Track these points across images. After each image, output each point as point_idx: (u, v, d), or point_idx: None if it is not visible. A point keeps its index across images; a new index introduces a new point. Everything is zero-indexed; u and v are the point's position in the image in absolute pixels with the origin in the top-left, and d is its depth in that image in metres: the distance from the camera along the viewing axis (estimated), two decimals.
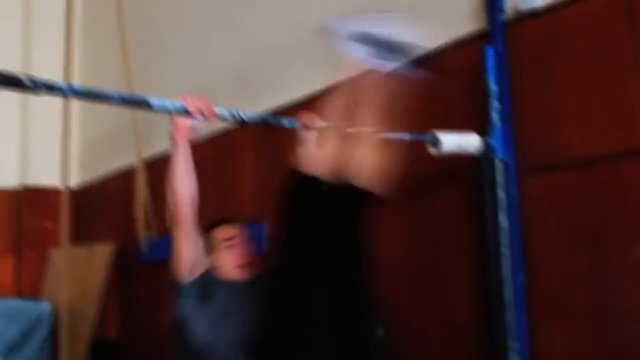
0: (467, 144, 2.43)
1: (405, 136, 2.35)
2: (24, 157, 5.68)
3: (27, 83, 1.56)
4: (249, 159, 3.88)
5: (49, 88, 1.61)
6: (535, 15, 2.53)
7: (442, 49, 2.81)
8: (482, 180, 2.56)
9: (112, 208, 5.28)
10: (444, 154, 2.40)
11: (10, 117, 5.62)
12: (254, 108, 3.71)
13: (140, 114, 4.49)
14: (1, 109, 5.42)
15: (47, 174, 5.57)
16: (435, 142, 2.36)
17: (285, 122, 2.03)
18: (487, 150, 2.50)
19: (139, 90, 4.43)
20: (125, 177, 4.99)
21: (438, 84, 2.82)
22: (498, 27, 2.61)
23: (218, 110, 1.88)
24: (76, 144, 5.56)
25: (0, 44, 5.58)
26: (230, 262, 2.65)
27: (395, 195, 2.98)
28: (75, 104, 5.26)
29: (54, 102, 5.00)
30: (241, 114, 1.90)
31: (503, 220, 2.51)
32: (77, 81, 5.36)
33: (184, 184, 2.43)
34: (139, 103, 1.75)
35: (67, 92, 1.60)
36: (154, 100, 1.76)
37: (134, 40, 4.68)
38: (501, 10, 2.62)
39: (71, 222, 5.01)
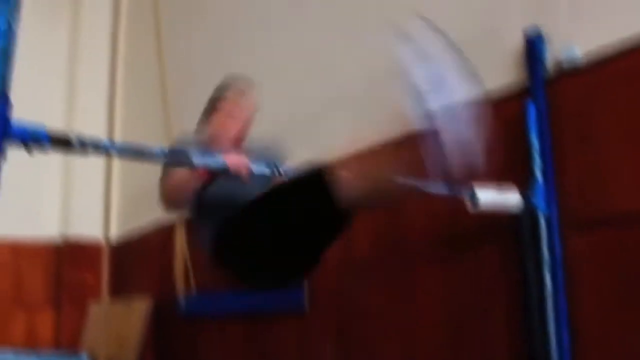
0: (505, 200, 2.39)
1: (444, 190, 2.33)
2: (65, 209, 5.77)
3: (75, 143, 1.59)
4: None
5: (96, 147, 1.64)
6: (576, 70, 2.52)
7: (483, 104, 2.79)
8: (524, 236, 2.52)
9: (150, 262, 5.31)
10: (482, 210, 2.37)
11: (53, 168, 5.73)
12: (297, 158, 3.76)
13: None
14: (44, 160, 5.53)
15: (88, 227, 5.66)
16: (473, 198, 2.33)
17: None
18: (529, 206, 2.47)
19: None
20: (164, 232, 5.02)
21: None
22: (539, 83, 2.61)
23: (256, 167, 1.90)
24: (117, 197, 5.65)
25: (44, 98, 5.72)
26: (232, 133, 2.55)
27: (435, 248, 2.97)
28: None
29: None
30: (280, 169, 1.91)
31: (547, 278, 2.46)
32: (118, 135, 5.49)
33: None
34: (181, 160, 1.76)
35: (112, 150, 1.63)
36: (196, 157, 1.78)
37: (175, 91, 4.79)
38: (542, 64, 2.61)
39: (110, 276, 5.05)
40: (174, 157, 1.74)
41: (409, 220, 3.09)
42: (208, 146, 2.44)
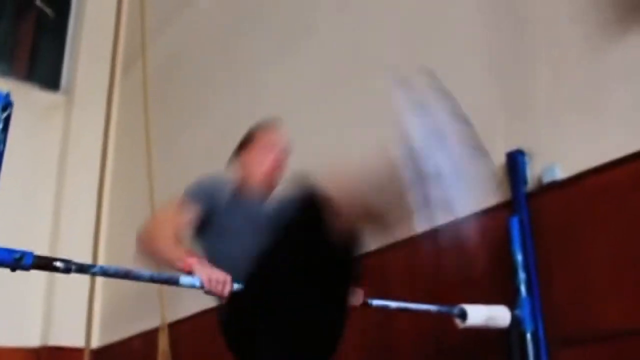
0: (495, 317, 2.39)
1: (433, 308, 2.33)
2: (47, 317, 5.67)
3: (60, 266, 1.60)
4: None
5: (81, 269, 1.64)
6: (557, 185, 2.57)
7: (467, 218, 2.83)
8: (512, 352, 2.50)
9: None
10: (472, 327, 2.36)
11: (35, 277, 5.67)
12: None
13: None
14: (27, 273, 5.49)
15: (69, 335, 5.55)
16: (463, 315, 2.33)
17: None
18: (516, 323, 2.46)
19: None
20: (146, 339, 4.93)
21: (463, 252, 2.84)
22: (522, 198, 2.65)
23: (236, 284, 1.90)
24: (99, 305, 5.58)
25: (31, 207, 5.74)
26: (266, 167, 2.42)
27: None
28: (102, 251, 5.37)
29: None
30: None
31: None
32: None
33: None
34: (168, 281, 1.77)
35: (99, 272, 1.63)
36: (183, 279, 1.79)
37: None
38: (524, 180, 2.67)
39: None
40: (162, 280, 1.74)
41: (397, 336, 3.06)
42: (237, 184, 2.38)
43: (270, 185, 2.44)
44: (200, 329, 4.17)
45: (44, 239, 5.67)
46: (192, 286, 1.82)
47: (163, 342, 4.51)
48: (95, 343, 5.53)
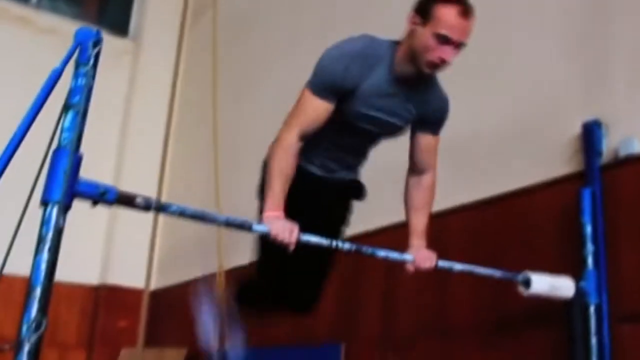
0: (559, 287, 2.36)
1: (497, 273, 2.32)
2: (106, 257, 5.84)
3: (141, 203, 1.63)
4: None
5: (160, 208, 1.68)
6: (634, 159, 2.51)
7: (539, 187, 2.81)
8: (574, 324, 2.47)
9: (187, 313, 5.30)
10: (535, 295, 2.34)
11: (98, 216, 5.83)
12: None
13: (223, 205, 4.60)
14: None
15: (128, 275, 5.71)
16: (527, 283, 2.31)
17: (381, 253, 2.04)
18: (580, 295, 2.43)
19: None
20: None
21: (532, 222, 2.81)
22: (595, 170, 2.60)
23: (316, 238, 1.93)
24: (157, 248, 5.71)
25: (96, 151, 5.86)
26: (430, 58, 2.04)
27: (479, 329, 2.93)
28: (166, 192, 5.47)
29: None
30: (339, 243, 1.92)
31: None
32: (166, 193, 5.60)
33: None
34: (242, 226, 1.80)
35: (177, 212, 1.66)
36: (256, 226, 1.82)
37: (226, 157, 4.85)
38: (599, 152, 2.61)
39: (146, 323, 5.07)
40: (237, 224, 1.78)
41: (454, 302, 3.07)
42: (397, 57, 2.16)
43: (421, 75, 2.13)
44: None
45: (107, 181, 5.80)
46: (263, 232, 1.86)
47: (219, 288, 4.59)
48: (152, 285, 5.68)
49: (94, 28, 1.72)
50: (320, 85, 2.07)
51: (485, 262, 2.93)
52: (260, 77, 5.15)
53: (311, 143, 2.15)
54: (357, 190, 2.49)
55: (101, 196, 1.60)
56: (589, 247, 2.51)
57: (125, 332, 5.59)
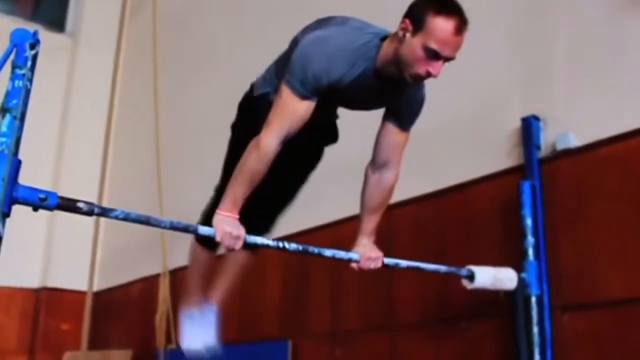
0: (502, 279, 2.42)
1: (442, 268, 2.36)
2: (47, 259, 5.71)
3: (83, 208, 1.60)
4: (274, 274, 3.88)
5: (103, 213, 1.65)
6: (570, 152, 2.58)
7: (479, 181, 2.86)
8: (516, 314, 2.54)
9: (131, 314, 5.24)
10: (479, 288, 2.39)
11: (38, 217, 5.68)
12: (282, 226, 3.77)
13: (166, 205, 4.54)
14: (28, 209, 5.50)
15: (68, 277, 5.60)
16: (471, 277, 2.36)
17: (328, 252, 2.05)
18: (522, 286, 2.49)
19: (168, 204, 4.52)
20: (147, 283, 4.98)
21: (474, 215, 2.87)
22: (534, 163, 2.66)
23: (262, 240, 1.92)
24: (102, 249, 5.62)
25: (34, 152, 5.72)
26: (417, 71, 1.91)
27: (425, 322, 2.98)
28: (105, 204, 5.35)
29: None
30: (285, 244, 1.92)
31: (536, 356, 2.46)
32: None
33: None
34: (187, 229, 1.78)
35: (121, 216, 1.64)
36: (202, 228, 1.81)
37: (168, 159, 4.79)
38: (537, 147, 2.67)
39: (90, 326, 4.98)
40: (181, 228, 1.76)
41: (400, 295, 3.11)
42: (378, 62, 2.03)
43: (402, 80, 1.99)
44: None
45: (47, 179, 5.66)
46: (209, 235, 1.84)
47: (164, 289, 4.55)
48: (96, 286, 5.58)
49: (29, 25, 1.68)
50: (302, 83, 1.92)
51: (429, 254, 2.99)
52: (203, 73, 5.10)
53: None
54: (331, 134, 2.40)
55: (42, 202, 1.56)
56: (530, 239, 2.57)
57: (68, 335, 5.48)
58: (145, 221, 1.68)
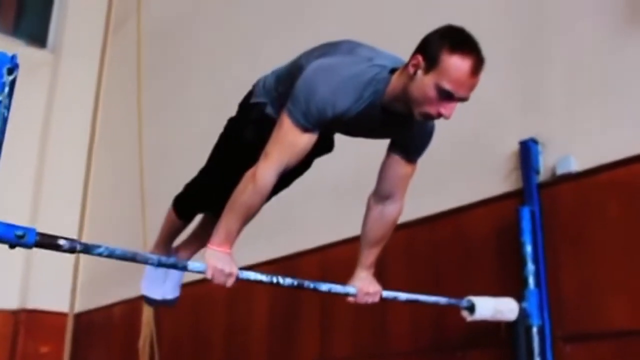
0: (503, 310, 2.33)
1: (441, 300, 2.26)
2: (25, 280, 5.55)
3: (64, 245, 1.49)
4: (262, 300, 3.77)
5: (86, 249, 1.54)
6: (571, 177, 2.50)
7: (476, 205, 2.78)
8: (517, 345, 2.44)
9: (114, 337, 5.10)
10: (479, 320, 2.30)
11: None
12: (269, 249, 3.67)
13: (150, 238, 4.42)
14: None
15: (48, 298, 5.45)
16: (471, 308, 2.26)
17: (323, 287, 1.94)
18: (523, 316, 2.40)
19: None
20: (129, 307, 4.84)
21: (470, 240, 2.78)
22: (533, 188, 2.58)
23: (256, 275, 1.82)
24: (83, 269, 5.48)
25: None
26: (428, 111, 1.79)
27: (419, 350, 2.88)
28: (86, 234, 5.22)
29: (65, 224, 4.99)
30: (279, 279, 1.82)
31: None
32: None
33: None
34: (175, 265, 1.68)
35: (105, 253, 1.53)
36: (192, 264, 1.71)
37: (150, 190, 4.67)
38: (536, 171, 2.60)
39: (71, 350, 4.84)
40: (170, 264, 1.65)
41: (393, 322, 3.01)
42: (385, 96, 1.91)
43: (410, 117, 1.89)
44: (186, 300, 4.09)
45: (25, 206, 5.51)
46: (199, 272, 1.74)
47: (148, 312, 4.42)
48: (77, 308, 5.44)
49: (9, 41, 1.57)
50: (304, 115, 1.79)
51: (422, 281, 2.90)
52: (187, 87, 5.00)
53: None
54: (326, 144, 2.21)
55: (19, 240, 1.44)
56: (530, 266, 2.48)
57: (48, 358, 5.32)
58: (132, 258, 1.58)
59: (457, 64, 1.72)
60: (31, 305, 5.46)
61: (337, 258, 3.34)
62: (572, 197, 2.51)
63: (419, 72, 1.77)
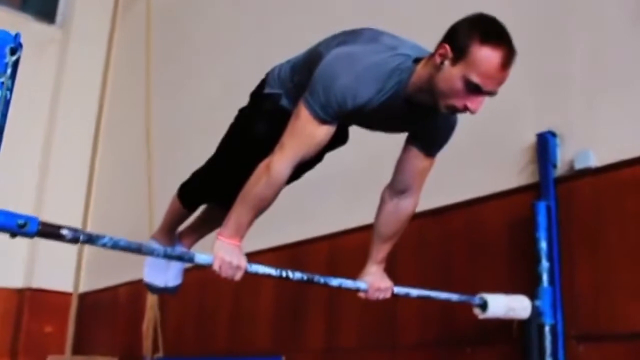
0: (516, 307, 2.27)
1: (453, 297, 2.20)
2: (31, 259, 5.51)
3: (67, 235, 1.44)
4: (268, 285, 3.72)
5: (89, 240, 1.49)
6: (590, 172, 2.43)
7: (490, 198, 2.71)
8: (528, 343, 2.39)
9: (118, 319, 5.07)
10: (491, 317, 2.24)
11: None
12: (276, 235, 3.62)
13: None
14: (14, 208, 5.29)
15: (53, 278, 5.42)
16: (484, 306, 2.20)
17: (334, 282, 1.89)
18: (535, 314, 2.34)
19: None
20: (134, 288, 4.80)
21: (483, 233, 2.72)
22: (550, 182, 2.51)
23: (265, 269, 1.75)
24: (88, 249, 5.44)
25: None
26: (453, 103, 1.73)
27: (428, 343, 2.83)
28: (91, 221, 5.18)
29: (70, 210, 4.94)
30: (289, 273, 1.76)
31: None
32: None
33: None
34: (182, 257, 1.62)
35: (109, 244, 1.48)
36: (199, 256, 1.65)
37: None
38: (554, 165, 2.52)
39: (75, 330, 4.82)
40: (177, 257, 1.60)
41: (402, 316, 2.95)
42: (409, 87, 1.82)
43: (435, 108, 1.80)
44: (191, 285, 4.06)
45: (29, 191, 5.46)
46: (207, 264, 1.68)
47: (152, 296, 4.38)
48: (82, 288, 5.41)
49: (17, 16, 1.50)
50: (323, 107, 1.71)
51: (433, 274, 2.85)
52: (197, 70, 4.92)
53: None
54: (340, 136, 2.10)
55: (20, 229, 1.39)
56: (544, 263, 2.42)
57: (52, 339, 5.31)
58: (137, 250, 1.52)
59: (487, 56, 1.65)
60: (36, 284, 5.43)
61: (345, 247, 3.29)
62: (590, 193, 2.44)
63: (446, 62, 1.69)
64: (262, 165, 1.76)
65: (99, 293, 5.34)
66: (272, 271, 1.76)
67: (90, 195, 5.52)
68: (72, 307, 5.28)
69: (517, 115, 2.74)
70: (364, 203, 3.28)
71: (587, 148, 2.46)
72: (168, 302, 4.39)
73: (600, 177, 2.41)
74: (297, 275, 1.78)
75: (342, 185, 3.44)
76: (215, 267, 1.69)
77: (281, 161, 1.73)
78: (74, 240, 1.45)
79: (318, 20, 3.84)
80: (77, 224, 5.14)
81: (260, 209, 1.78)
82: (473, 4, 2.88)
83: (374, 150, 2.94)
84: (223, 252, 1.71)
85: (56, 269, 5.41)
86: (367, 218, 3.21)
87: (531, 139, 2.61)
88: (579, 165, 2.46)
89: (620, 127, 2.41)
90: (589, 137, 2.48)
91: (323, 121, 1.73)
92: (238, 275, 1.72)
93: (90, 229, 5.32)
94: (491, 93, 1.72)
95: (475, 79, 1.66)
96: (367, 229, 3.20)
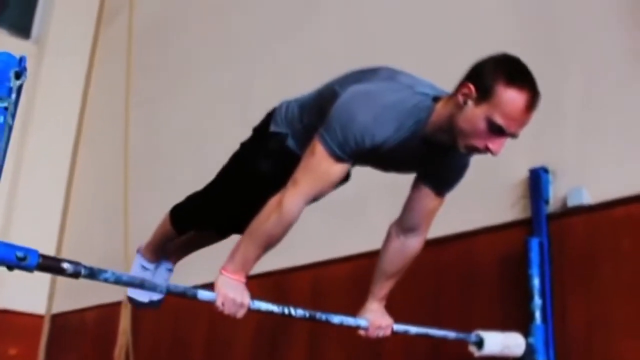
0: (510, 345, 2.25)
1: (450, 334, 2.17)
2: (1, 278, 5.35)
3: (68, 269, 1.38)
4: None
5: (91, 274, 1.42)
6: (583, 210, 2.43)
7: (481, 232, 2.69)
8: None
9: (86, 344, 4.93)
10: (486, 355, 2.21)
11: None
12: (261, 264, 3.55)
13: (133, 251, 4.29)
14: None
15: (21, 299, 5.25)
16: (480, 343, 2.18)
17: (335, 319, 1.84)
18: (528, 352, 2.32)
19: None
20: (105, 311, 4.68)
21: (474, 267, 2.70)
22: (542, 218, 2.50)
23: (267, 306, 1.71)
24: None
25: None
26: (474, 144, 1.71)
27: None
28: (67, 234, 5.05)
29: (46, 230, 4.81)
30: (291, 310, 1.71)
31: None
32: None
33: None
34: (185, 294, 1.56)
35: (111, 279, 1.42)
36: (202, 293, 1.60)
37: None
38: (546, 201, 2.52)
39: (46, 353, 4.68)
40: (179, 293, 1.54)
41: (385, 349, 2.90)
42: (427, 125, 1.81)
43: (454, 148, 1.79)
44: (165, 309, 3.97)
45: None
46: (210, 302, 1.63)
47: (125, 320, 4.27)
48: (54, 309, 5.27)
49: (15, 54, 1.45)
50: (340, 145, 1.67)
51: (423, 307, 2.81)
52: (178, 89, 4.85)
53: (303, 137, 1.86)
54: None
55: (20, 261, 1.33)
56: (537, 301, 2.40)
57: None
58: (140, 285, 1.46)
59: (512, 98, 1.64)
60: (3, 304, 5.26)
61: (329, 277, 3.24)
62: (583, 231, 2.44)
63: (470, 102, 1.68)
64: (273, 202, 1.71)
65: (68, 315, 5.19)
66: (274, 308, 1.72)
67: (66, 217, 5.38)
68: (44, 329, 5.11)
69: (511, 150, 2.72)
70: (349, 233, 3.26)
71: (580, 185, 2.46)
72: (141, 327, 4.28)
73: (593, 215, 2.42)
74: (300, 312, 1.74)
75: (327, 215, 3.39)
76: (218, 303, 1.64)
77: (294, 197, 1.69)
78: (75, 274, 1.39)
79: (303, 39, 3.82)
80: (52, 245, 5.02)
81: (268, 246, 1.74)
82: (466, 40, 2.89)
83: (360, 180, 2.91)
84: (227, 288, 1.66)
85: (25, 291, 5.24)
86: (351, 248, 3.19)
87: (524, 174, 2.61)
88: (571, 202, 2.47)
89: (614, 165, 2.42)
90: (582, 174, 2.49)
91: (339, 159, 1.70)
92: (241, 313, 1.67)
93: (65, 249, 5.19)
94: (513, 135, 1.71)
95: (499, 120, 1.65)
96: (352, 259, 3.18)
